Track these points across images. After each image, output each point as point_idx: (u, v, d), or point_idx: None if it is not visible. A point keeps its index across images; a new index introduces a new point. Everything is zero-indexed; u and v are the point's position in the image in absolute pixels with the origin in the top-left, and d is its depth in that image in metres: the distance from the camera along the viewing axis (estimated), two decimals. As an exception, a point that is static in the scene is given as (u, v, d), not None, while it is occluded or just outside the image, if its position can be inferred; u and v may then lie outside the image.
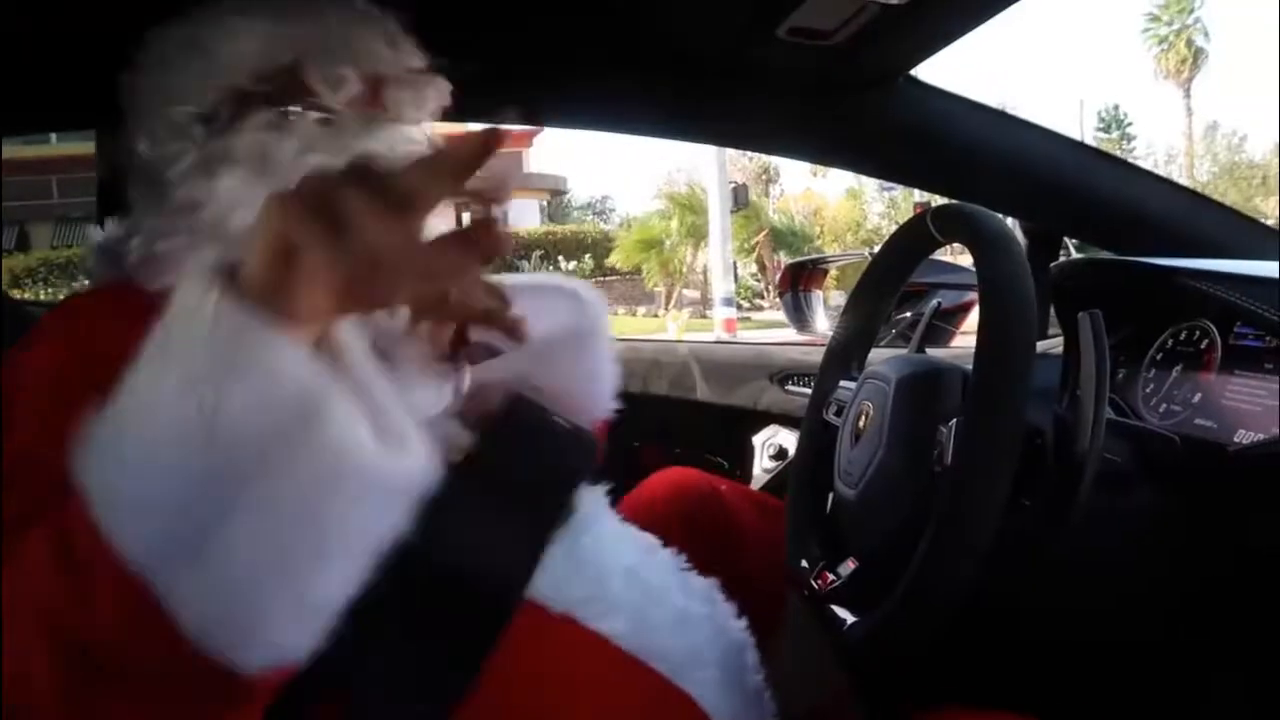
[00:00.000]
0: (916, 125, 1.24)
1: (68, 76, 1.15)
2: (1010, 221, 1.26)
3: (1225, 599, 0.80)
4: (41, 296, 9.62)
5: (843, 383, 1.03)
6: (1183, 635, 0.82)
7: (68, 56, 1.09)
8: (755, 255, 21.64)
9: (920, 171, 1.35)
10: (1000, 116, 1.30)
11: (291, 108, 0.74)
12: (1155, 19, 31.53)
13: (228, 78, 0.75)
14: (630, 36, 1.12)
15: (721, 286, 11.28)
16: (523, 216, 23.00)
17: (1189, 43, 30.88)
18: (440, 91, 0.81)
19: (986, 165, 1.25)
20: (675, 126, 1.40)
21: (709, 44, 1.13)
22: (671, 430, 1.67)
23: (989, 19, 1.04)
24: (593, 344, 0.86)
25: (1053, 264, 1.15)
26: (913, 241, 0.99)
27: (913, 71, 1.20)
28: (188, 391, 0.41)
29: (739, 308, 14.31)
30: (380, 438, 0.44)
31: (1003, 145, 1.25)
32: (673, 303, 19.07)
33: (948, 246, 0.95)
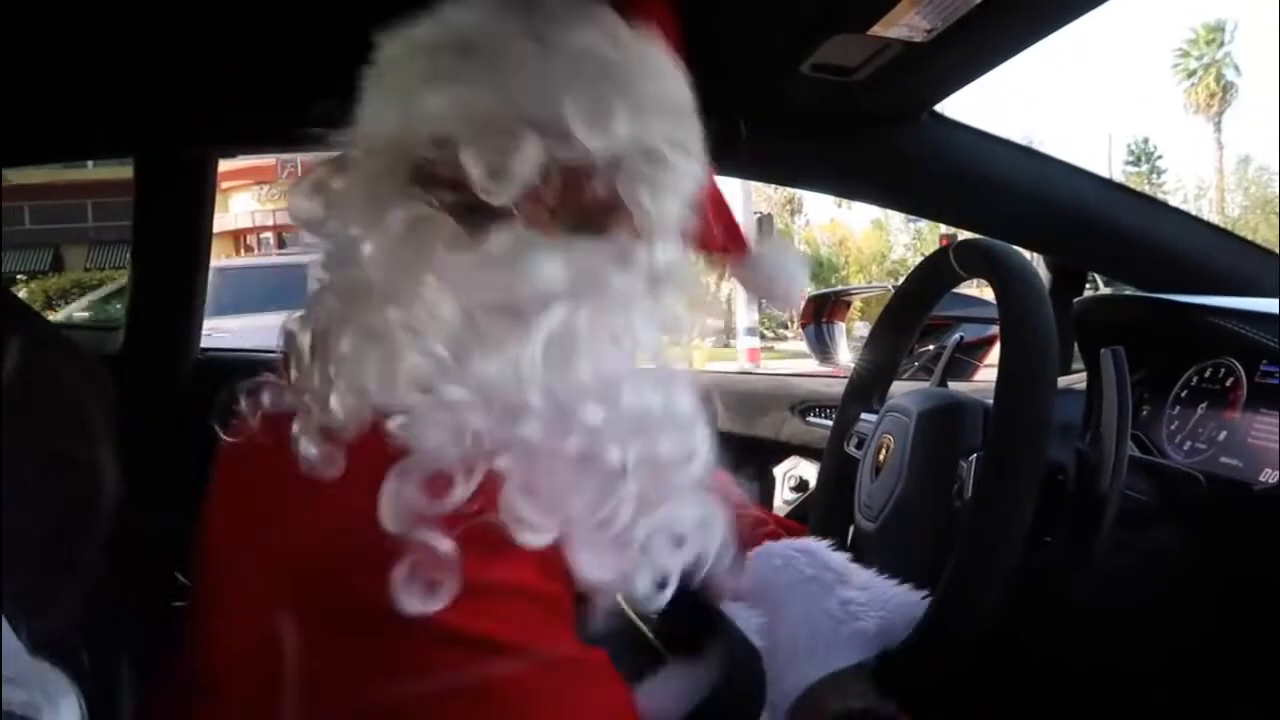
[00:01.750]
0: (940, 160, 1.24)
1: (108, 105, 1.18)
2: (1034, 256, 1.26)
3: (1249, 637, 0.79)
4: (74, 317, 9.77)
5: (864, 415, 1.03)
6: (1203, 672, 0.81)
7: (109, 85, 1.12)
8: (780, 285, 21.60)
9: (944, 206, 1.35)
10: (1024, 152, 1.30)
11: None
12: (1185, 54, 31.39)
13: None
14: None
15: (745, 316, 11.24)
16: (548, 244, 23.07)
17: (1218, 77, 30.70)
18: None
19: (1010, 200, 1.25)
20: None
21: (733, 79, 1.14)
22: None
23: (1013, 56, 1.04)
24: None
25: (1076, 299, 1.15)
26: (935, 276, 0.99)
27: (937, 106, 1.21)
28: None
29: (763, 337, 14.26)
30: None
31: (1027, 180, 1.25)
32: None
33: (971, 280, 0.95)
